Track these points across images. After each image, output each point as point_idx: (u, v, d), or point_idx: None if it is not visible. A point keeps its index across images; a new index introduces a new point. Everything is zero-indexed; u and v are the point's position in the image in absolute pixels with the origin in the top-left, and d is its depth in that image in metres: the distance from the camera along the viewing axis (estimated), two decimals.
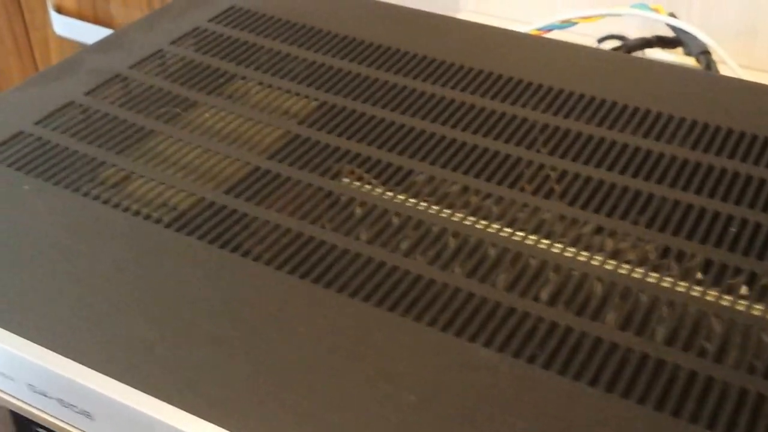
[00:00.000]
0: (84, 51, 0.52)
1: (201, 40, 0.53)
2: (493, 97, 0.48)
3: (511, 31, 0.57)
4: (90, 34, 1.17)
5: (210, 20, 0.55)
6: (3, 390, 0.36)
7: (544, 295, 0.37)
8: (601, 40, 0.78)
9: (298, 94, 0.49)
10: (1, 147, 0.45)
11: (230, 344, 0.35)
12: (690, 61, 0.68)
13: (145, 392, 0.33)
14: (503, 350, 0.34)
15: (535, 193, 0.42)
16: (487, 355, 0.34)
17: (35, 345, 0.35)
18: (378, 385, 0.33)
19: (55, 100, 0.48)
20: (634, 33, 0.77)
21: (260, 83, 0.50)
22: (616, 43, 0.76)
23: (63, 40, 1.20)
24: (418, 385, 0.33)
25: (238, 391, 0.33)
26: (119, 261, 0.38)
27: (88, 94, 0.49)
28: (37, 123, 0.46)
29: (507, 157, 0.44)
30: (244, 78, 0.50)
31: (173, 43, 0.53)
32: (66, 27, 1.17)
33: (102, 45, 0.53)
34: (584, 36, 0.71)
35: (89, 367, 0.34)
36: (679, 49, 0.69)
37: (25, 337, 0.35)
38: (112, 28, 1.16)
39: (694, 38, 0.62)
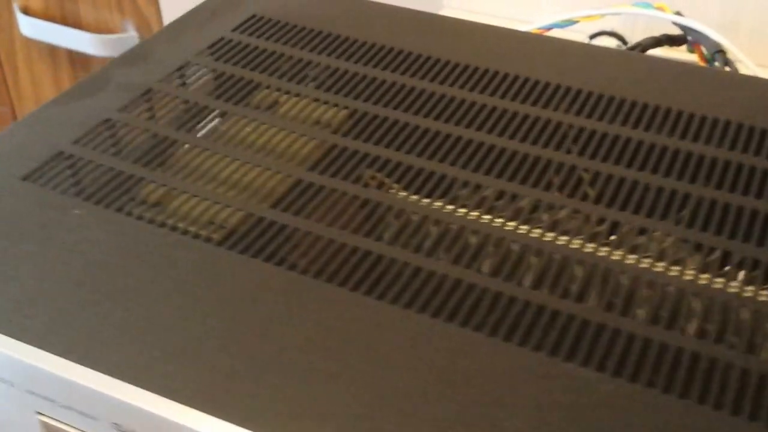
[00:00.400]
0: (110, 65, 0.50)
1: (227, 51, 0.52)
2: (533, 104, 0.48)
3: (530, 34, 0.57)
4: (57, 35, 1.14)
5: (234, 30, 0.54)
6: (85, 431, 0.35)
7: (640, 312, 0.37)
8: (593, 36, 0.78)
9: (336, 105, 0.48)
10: (44, 168, 0.43)
11: (327, 373, 0.34)
12: (693, 59, 0.68)
13: (240, 426, 0.32)
14: (602, 370, 0.34)
15: (584, 198, 0.42)
16: (587, 375, 0.34)
17: (119, 381, 0.33)
18: (481, 411, 0.32)
19: (90, 118, 0.46)
20: (622, 29, 0.77)
21: (297, 95, 0.48)
22: (608, 40, 0.76)
23: (30, 41, 1.17)
24: (523, 411, 0.33)
25: (337, 424, 0.32)
26: (188, 289, 0.37)
27: (122, 110, 0.47)
28: (75, 142, 0.45)
29: (540, 160, 0.44)
30: (278, 89, 0.49)
31: (200, 54, 0.51)
32: (32, 28, 1.14)
33: (128, 59, 0.51)
34: (577, 33, 0.71)
35: (177, 401, 0.33)
36: (683, 47, 0.69)
37: (107, 374, 0.33)
38: (81, 29, 1.13)
39: (707, 37, 0.63)
